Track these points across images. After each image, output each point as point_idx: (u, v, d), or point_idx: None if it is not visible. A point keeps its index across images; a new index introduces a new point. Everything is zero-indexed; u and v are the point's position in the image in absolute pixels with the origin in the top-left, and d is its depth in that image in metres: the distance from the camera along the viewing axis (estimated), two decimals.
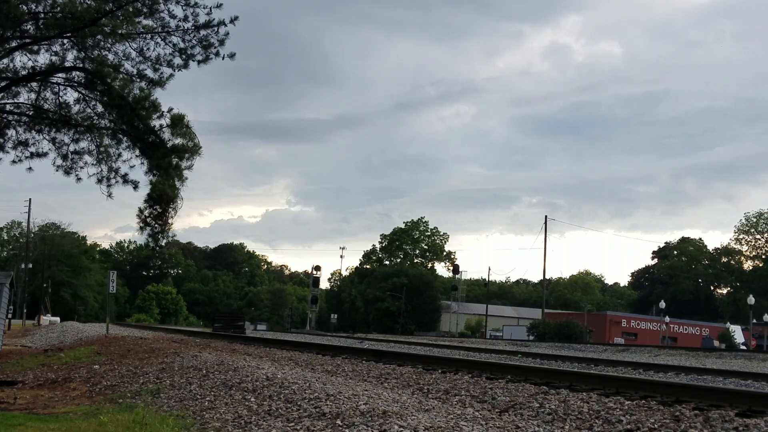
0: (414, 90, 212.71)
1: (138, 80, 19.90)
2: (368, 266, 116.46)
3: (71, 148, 21.52)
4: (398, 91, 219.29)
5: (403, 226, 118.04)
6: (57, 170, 21.57)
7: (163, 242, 22.85)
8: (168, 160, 20.60)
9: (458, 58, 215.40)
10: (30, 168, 21.58)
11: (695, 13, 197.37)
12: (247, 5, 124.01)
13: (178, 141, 20.63)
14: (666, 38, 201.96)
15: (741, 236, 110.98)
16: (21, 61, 20.22)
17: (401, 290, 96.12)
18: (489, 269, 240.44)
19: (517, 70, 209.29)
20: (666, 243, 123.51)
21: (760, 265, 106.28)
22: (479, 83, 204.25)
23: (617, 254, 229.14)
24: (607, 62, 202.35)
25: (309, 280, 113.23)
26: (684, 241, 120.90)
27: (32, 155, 21.40)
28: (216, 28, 19.24)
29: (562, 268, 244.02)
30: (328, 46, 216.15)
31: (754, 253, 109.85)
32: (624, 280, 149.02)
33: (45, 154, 21.47)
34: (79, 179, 21.63)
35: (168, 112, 20.28)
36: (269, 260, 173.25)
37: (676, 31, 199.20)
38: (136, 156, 21.23)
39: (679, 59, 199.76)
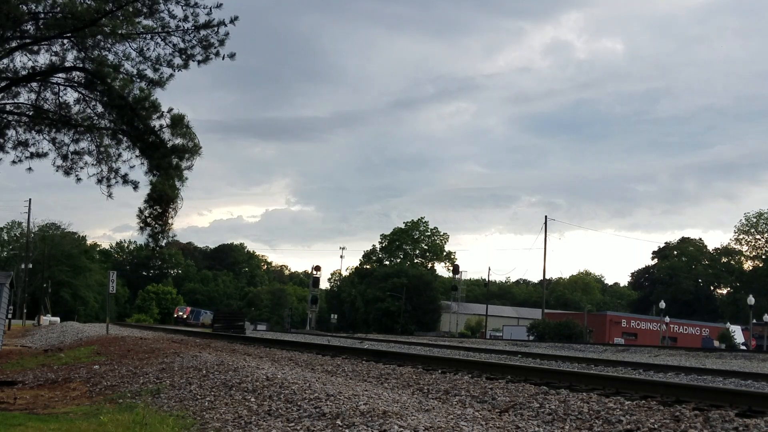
0: (413, 87, 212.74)
1: (138, 80, 19.89)
2: (368, 266, 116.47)
3: (71, 148, 21.50)
4: (397, 88, 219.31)
5: (402, 226, 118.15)
6: (57, 170, 21.54)
7: (163, 242, 22.80)
8: (168, 160, 20.58)
9: (458, 55, 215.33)
10: (30, 168, 21.54)
11: (697, 10, 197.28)
12: (245, 3, 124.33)
13: (178, 141, 20.61)
14: (667, 35, 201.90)
15: (741, 236, 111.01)
16: (21, 61, 20.21)
17: (401, 290, 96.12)
18: (489, 269, 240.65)
19: (517, 68, 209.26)
20: (666, 243, 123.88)
21: (760, 265, 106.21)
22: (479, 80, 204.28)
23: (617, 254, 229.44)
24: (608, 59, 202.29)
25: (309, 280, 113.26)
26: (684, 241, 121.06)
27: (32, 155, 21.37)
28: (216, 28, 19.22)
29: (562, 268, 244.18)
30: (327, 43, 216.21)
31: (754, 253, 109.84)
32: (624, 280, 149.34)
33: (45, 155, 21.45)
34: (79, 179, 21.60)
35: (168, 112, 20.27)
36: (269, 260, 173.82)
37: (678, 27, 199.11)
38: (136, 156, 21.21)
39: (680, 56, 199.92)
